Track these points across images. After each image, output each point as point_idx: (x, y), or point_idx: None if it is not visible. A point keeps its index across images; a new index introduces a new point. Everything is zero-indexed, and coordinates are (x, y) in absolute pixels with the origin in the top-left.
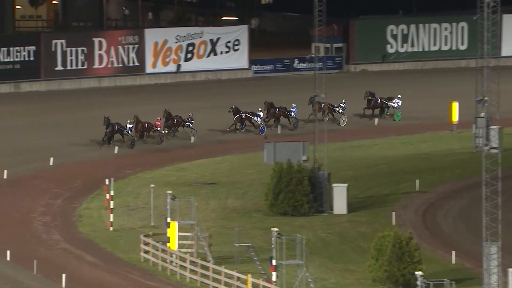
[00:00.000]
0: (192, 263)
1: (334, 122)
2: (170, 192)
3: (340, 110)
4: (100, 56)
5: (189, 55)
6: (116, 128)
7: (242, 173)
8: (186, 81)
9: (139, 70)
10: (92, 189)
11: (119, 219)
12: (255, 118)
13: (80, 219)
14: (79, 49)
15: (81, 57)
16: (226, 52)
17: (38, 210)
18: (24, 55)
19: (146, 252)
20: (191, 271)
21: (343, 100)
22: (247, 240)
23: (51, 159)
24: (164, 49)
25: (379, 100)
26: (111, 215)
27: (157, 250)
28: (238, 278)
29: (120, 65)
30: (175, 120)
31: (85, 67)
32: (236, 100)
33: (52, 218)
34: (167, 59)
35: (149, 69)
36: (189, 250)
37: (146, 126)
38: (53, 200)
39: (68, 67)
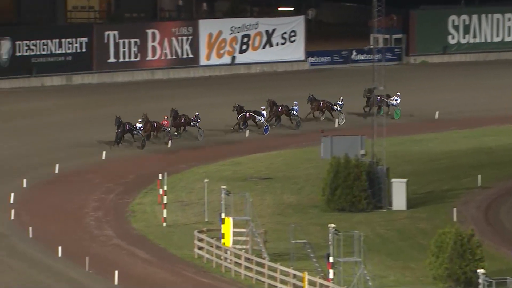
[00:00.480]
0: (247, 260)
1: (331, 121)
2: (224, 187)
3: (338, 108)
4: (153, 48)
5: (244, 47)
6: (127, 128)
7: (298, 168)
8: (241, 73)
9: (193, 62)
10: (145, 184)
11: (173, 214)
12: (259, 117)
13: (133, 214)
14: (132, 40)
15: (134, 49)
16: (282, 44)
17: (90, 205)
18: (76, 46)
19: (200, 248)
20: (246, 268)
21: (341, 98)
22: (303, 236)
23: (104, 153)
24: (218, 41)
25: (379, 97)
26: (165, 211)
27: (211, 247)
28: (294, 276)
29: (174, 57)
30: (183, 119)
31: (138, 59)
32: (292, 93)
33: (104, 214)
34: (222, 51)
35: (203, 61)
36: (244, 246)
37: (155, 125)
38: (105, 195)
39: (121, 59)
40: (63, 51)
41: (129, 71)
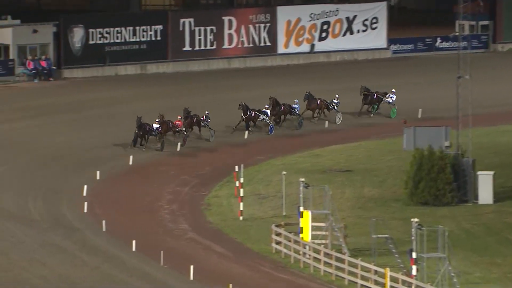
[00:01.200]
0: (326, 255)
1: (325, 121)
2: (303, 179)
3: (335, 107)
4: (230, 35)
5: (323, 34)
6: (147, 129)
7: (380, 160)
8: (320, 62)
9: (270, 50)
10: (221, 176)
11: (250, 208)
12: (263, 116)
13: (208, 207)
14: (208, 28)
15: (210, 37)
16: (363, 31)
17: (165, 198)
18: (150, 34)
19: (278, 243)
20: (325, 263)
21: (336, 96)
22: (385, 231)
23: (178, 144)
24: (297, 28)
25: (376, 95)
26: (241, 204)
27: (290, 241)
28: (376, 272)
29: (251, 45)
30: (194, 118)
31: (214, 47)
32: (373, 83)
33: (179, 207)
34: (300, 39)
35: (281, 49)
36: (323, 241)
37: (170, 125)
38: (180, 187)
39: (197, 48)
40: (137, 39)
41: (204, 59)
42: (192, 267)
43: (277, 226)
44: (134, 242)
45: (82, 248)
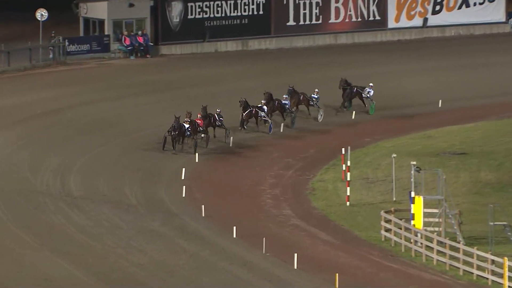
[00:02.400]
0: (440, 243)
1: (307, 118)
2: (414, 163)
3: (316, 103)
4: (337, 9)
5: (437, 7)
6: (184, 130)
7: (498, 142)
8: (434, 37)
9: (380, 24)
10: (327, 159)
11: (357, 192)
12: (262, 113)
13: (313, 192)
14: (314, 1)
15: (315, 11)
16: (480, 4)
17: (267, 182)
18: (252, 8)
19: (388, 230)
20: (439, 252)
21: (316, 90)
22: (503, 218)
23: (281, 125)
24: (409, 1)
25: (355, 89)
26: (348, 188)
27: (400, 228)
28: (493, 261)
29: (359, 20)
30: (211, 118)
31: (319, 22)
32: (491, 59)
33: (282, 191)
34: (413, 12)
35: (391, 23)
36: (436, 228)
37: (196, 125)
38: (283, 171)
39: (301, 22)
40: (239, 14)
41: (309, 35)
42: (296, 255)
43: (386, 212)
44: (234, 228)
45: (180, 234)
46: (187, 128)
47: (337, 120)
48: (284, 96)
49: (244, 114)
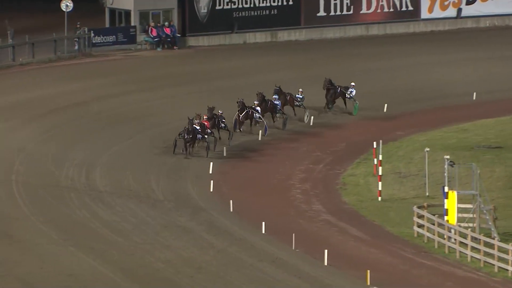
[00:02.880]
0: (474, 239)
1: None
2: (448, 157)
3: (301, 103)
4: (369, 0)
5: None
6: (197, 133)
7: None
8: (468, 27)
9: (413, 15)
10: (358, 153)
11: (389, 187)
12: (257, 114)
13: (344, 187)
14: None
15: (346, 1)
16: None
17: (296, 177)
18: None
19: (420, 226)
20: (473, 248)
21: (300, 90)
22: None
23: (311, 118)
24: None
25: (339, 89)
26: (380, 183)
27: (433, 224)
28: None
29: (391, 10)
30: (217, 120)
31: (351, 12)
32: None
33: (312, 186)
34: (446, 3)
35: (425, 14)
36: (470, 224)
37: (204, 128)
38: (313, 165)
39: (332, 13)
40: (268, 4)
41: (340, 26)
42: (326, 251)
43: (419, 207)
44: (263, 223)
45: (208, 230)
46: (198, 130)
47: (368, 113)
48: (274, 96)
49: (241, 115)
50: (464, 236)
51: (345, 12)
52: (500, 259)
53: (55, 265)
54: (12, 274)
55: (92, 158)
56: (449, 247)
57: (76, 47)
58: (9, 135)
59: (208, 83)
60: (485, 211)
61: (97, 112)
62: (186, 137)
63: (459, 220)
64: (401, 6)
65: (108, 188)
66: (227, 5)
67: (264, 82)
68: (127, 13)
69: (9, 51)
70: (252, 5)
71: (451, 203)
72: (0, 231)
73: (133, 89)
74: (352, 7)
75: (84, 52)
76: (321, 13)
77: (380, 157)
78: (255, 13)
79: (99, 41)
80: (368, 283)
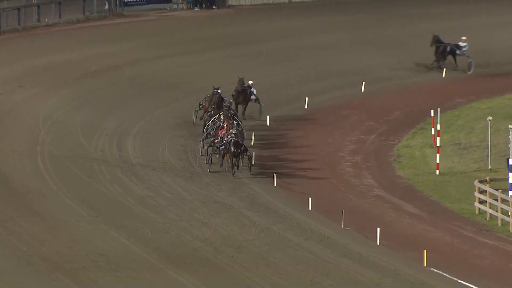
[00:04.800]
0: None
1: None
2: None
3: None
4: None
5: None
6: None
7: None
8: None
9: None
10: (414, 123)
11: (448, 160)
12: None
13: (398, 159)
14: None
15: None
16: None
17: (346, 148)
18: None
19: (482, 202)
20: None
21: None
22: None
23: (363, 84)
24: None
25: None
26: (438, 155)
27: (496, 200)
28: None
29: None
30: (248, 91)
31: None
32: None
33: (364, 158)
34: None
35: None
36: None
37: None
38: (365, 135)
39: None
40: None
41: None
42: (378, 230)
43: (481, 182)
44: (310, 199)
45: (250, 206)
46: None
47: (425, 79)
48: (462, 38)
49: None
50: None
51: None
52: None
53: (85, 245)
54: (38, 254)
55: (125, 128)
56: None
57: (107, 7)
58: (34, 102)
59: (250, 46)
60: None
61: (129, 77)
62: (233, 150)
63: None
64: None
65: (142, 161)
66: None
67: (317, 45)
68: None
69: (34, 11)
70: None
71: None
72: (25, 208)
73: (168, 52)
74: None
75: (115, 12)
76: None
77: (438, 127)
78: None
79: (131, 0)
80: (425, 265)
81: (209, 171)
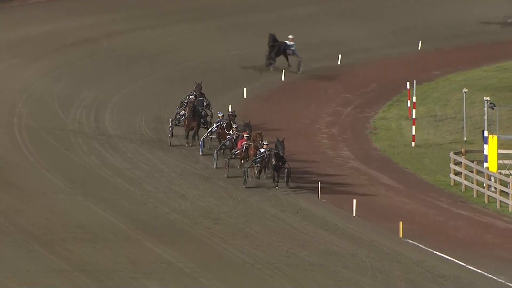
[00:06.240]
0: None
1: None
2: (488, 98)
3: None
4: None
5: None
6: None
7: None
8: None
9: None
10: (390, 95)
11: (424, 132)
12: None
13: (374, 131)
14: None
15: None
16: None
17: (323, 120)
18: None
19: (457, 173)
20: None
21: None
22: None
23: (339, 56)
24: None
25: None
26: (414, 127)
27: (472, 172)
28: None
29: None
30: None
31: None
32: None
33: (340, 130)
34: None
35: None
36: None
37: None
38: (341, 107)
39: None
40: None
41: None
42: (355, 201)
43: (456, 153)
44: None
45: (226, 178)
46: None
47: (401, 51)
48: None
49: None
50: (505, 184)
51: None
52: None
53: (62, 216)
54: (16, 224)
55: (102, 100)
56: (489, 196)
57: None
58: (12, 74)
59: (227, 19)
60: None
61: (107, 50)
62: (275, 163)
63: (500, 167)
64: None
65: (119, 133)
66: None
67: (289, 18)
68: None
69: None
70: None
71: (492, 148)
72: (2, 179)
73: (147, 24)
74: None
75: None
76: None
77: (414, 99)
78: None
79: None
80: (401, 236)
81: (245, 187)
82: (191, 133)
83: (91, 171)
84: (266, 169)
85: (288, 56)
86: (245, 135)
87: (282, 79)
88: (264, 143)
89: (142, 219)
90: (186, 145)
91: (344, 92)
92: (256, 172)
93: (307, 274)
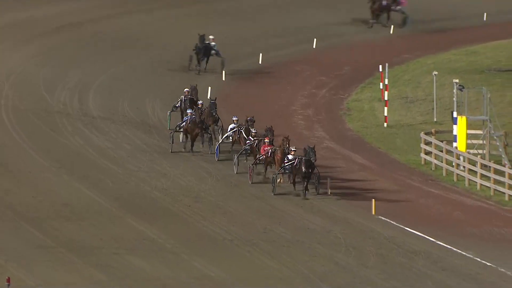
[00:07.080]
0: (484, 167)
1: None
2: (457, 80)
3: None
4: None
5: None
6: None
7: None
8: None
9: None
10: (363, 77)
11: (395, 113)
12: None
13: (348, 112)
14: None
15: None
16: None
17: (299, 102)
18: None
19: (428, 153)
20: (483, 176)
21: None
22: None
23: (315, 40)
24: None
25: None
26: (386, 109)
27: (441, 151)
28: None
29: None
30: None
31: None
32: None
33: (315, 112)
34: None
35: None
36: (480, 151)
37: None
38: (316, 90)
39: None
40: None
41: None
42: (329, 180)
43: (427, 134)
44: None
45: (206, 158)
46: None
47: (373, 34)
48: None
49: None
50: (473, 163)
51: None
52: (511, 187)
53: (48, 195)
54: (2, 203)
55: (86, 82)
56: (457, 174)
57: None
58: None
59: (207, 4)
60: (495, 137)
61: (91, 34)
62: (305, 170)
63: (469, 146)
64: None
65: (102, 114)
66: None
67: (269, 3)
68: None
69: None
70: None
71: (461, 129)
72: None
73: (131, 9)
74: None
75: None
76: None
77: (386, 81)
78: None
79: None
80: (374, 213)
81: (274, 194)
82: (198, 138)
83: (75, 151)
84: (291, 175)
85: (211, 56)
86: (266, 141)
87: (260, 63)
88: (292, 149)
89: (125, 197)
90: (184, 149)
91: (319, 75)
92: (288, 180)
93: (283, 250)
